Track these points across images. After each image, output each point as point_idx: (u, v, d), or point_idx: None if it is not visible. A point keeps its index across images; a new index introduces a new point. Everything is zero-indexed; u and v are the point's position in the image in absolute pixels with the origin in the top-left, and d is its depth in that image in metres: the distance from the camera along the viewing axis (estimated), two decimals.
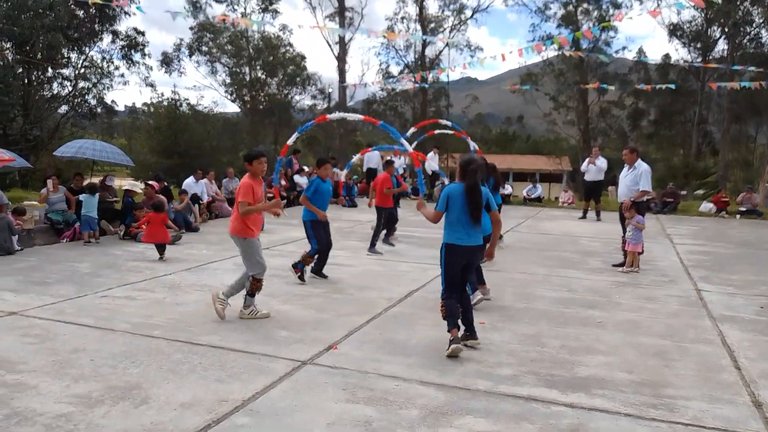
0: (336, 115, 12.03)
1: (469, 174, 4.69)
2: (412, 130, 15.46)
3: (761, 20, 32.93)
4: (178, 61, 34.26)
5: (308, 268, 7.18)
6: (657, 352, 4.77)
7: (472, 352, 4.62)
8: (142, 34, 28.82)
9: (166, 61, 34.02)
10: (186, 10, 32.33)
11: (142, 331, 4.91)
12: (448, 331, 4.59)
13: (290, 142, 10.49)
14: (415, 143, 14.49)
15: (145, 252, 8.71)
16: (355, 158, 13.75)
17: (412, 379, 4.06)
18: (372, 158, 19.87)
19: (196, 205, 12.10)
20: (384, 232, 9.89)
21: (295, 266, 7.13)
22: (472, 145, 13.57)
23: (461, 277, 4.78)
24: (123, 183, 11.39)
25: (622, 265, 8.22)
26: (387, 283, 7.01)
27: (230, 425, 3.33)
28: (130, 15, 26.26)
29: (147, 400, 3.59)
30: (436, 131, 15.55)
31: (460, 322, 4.69)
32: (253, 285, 5.53)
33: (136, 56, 28.45)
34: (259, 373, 4.08)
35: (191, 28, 34.13)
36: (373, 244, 9.25)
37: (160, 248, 8.28)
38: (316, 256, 7.24)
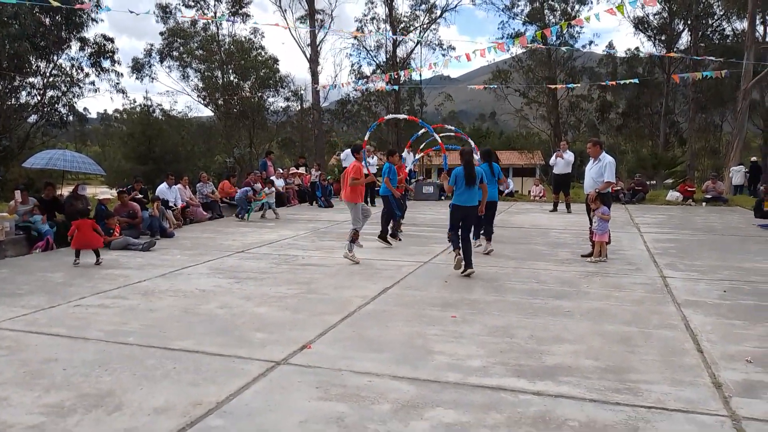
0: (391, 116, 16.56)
1: (466, 158, 7.48)
2: (431, 132, 16.53)
3: (722, 12, 33.70)
4: (149, 66, 33.98)
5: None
6: (622, 338, 4.91)
7: (444, 345, 4.73)
8: (111, 40, 28.54)
9: (137, 68, 33.69)
10: (155, 15, 32.02)
11: (116, 339, 4.92)
12: (453, 250, 7.55)
13: (366, 137, 13.19)
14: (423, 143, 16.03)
15: (118, 259, 8.68)
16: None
17: (385, 374, 4.14)
18: (349, 157, 19.90)
19: (170, 211, 12.05)
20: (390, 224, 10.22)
21: (383, 237, 9.76)
22: (472, 143, 14.18)
23: (461, 224, 7.49)
24: (96, 191, 11.28)
25: (590, 255, 8.42)
26: (362, 281, 7.09)
27: (204, 427, 3.37)
28: (97, 22, 25.97)
29: (120, 407, 3.62)
30: (442, 134, 16.60)
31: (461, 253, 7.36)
32: (354, 235, 8.35)
33: (106, 63, 28.19)
34: (234, 375, 4.13)
35: (161, 34, 33.88)
36: (385, 232, 9.99)
37: (96, 252, 8.39)
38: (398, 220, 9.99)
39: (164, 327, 5.26)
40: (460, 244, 7.40)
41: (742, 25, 31.84)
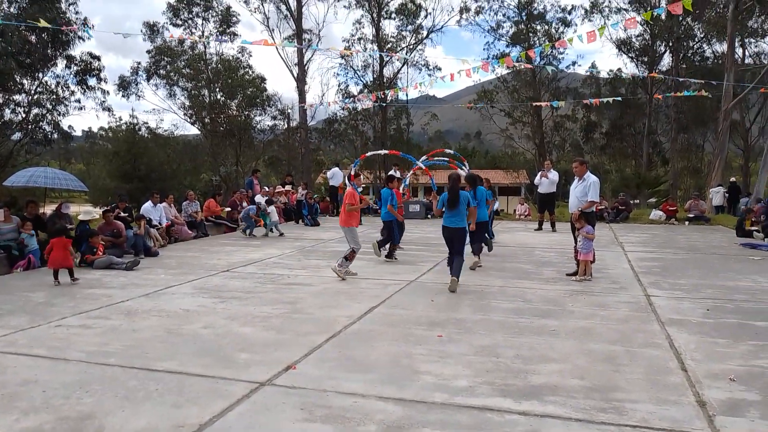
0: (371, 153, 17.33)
1: (451, 184, 7.97)
2: (423, 158, 17.41)
3: (702, 35, 34.42)
4: (136, 84, 34.01)
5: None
6: (607, 357, 4.93)
7: (430, 365, 4.71)
8: (98, 58, 28.52)
9: (123, 85, 33.70)
10: (143, 33, 32.08)
11: (97, 360, 4.84)
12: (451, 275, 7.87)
13: (352, 172, 13.17)
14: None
15: (101, 279, 8.58)
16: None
17: (370, 395, 4.11)
18: (336, 176, 19.98)
19: (154, 229, 11.96)
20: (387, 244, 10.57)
21: (388, 256, 10.28)
22: (466, 168, 14.61)
23: (451, 245, 8.00)
24: (80, 209, 11.18)
25: (575, 274, 8.46)
26: (347, 301, 7.06)
27: None
28: (84, 40, 25.99)
29: (101, 430, 3.55)
30: (437, 158, 17.10)
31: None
32: (351, 255, 8.71)
33: (92, 81, 28.15)
34: (218, 396, 4.08)
35: (148, 52, 33.94)
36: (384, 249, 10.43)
37: (71, 272, 8.41)
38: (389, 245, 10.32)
39: (147, 347, 5.20)
40: (453, 264, 7.91)
41: (721, 47, 32.59)
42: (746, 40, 34.26)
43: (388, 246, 10.49)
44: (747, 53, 35.39)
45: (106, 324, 6.03)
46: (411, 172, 14.52)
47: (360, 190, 16.48)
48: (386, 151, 18.32)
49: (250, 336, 5.57)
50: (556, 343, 5.32)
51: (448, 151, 16.11)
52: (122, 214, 11.60)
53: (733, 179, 23.43)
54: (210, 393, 4.13)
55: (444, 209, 8.01)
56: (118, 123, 32.31)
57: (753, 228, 14.28)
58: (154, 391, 4.16)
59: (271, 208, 14.52)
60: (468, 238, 8.40)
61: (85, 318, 6.28)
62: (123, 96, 33.65)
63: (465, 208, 7.95)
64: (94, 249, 9.76)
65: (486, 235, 10.48)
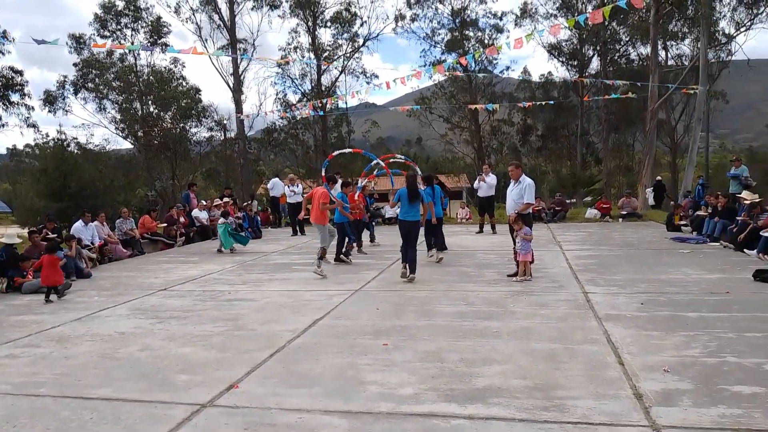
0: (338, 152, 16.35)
1: (409, 181, 9.03)
2: (376, 160, 17.40)
3: (627, 38, 35.95)
4: (63, 99, 32.62)
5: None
6: (548, 356, 5.03)
7: (376, 375, 4.68)
8: (20, 73, 27.27)
9: (50, 100, 32.29)
10: (68, 45, 30.89)
11: (26, 391, 4.58)
12: (402, 263, 8.87)
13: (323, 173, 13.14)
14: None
15: (30, 305, 8.15)
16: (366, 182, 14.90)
17: (316, 409, 4.05)
18: (276, 186, 19.75)
19: (86, 250, 11.47)
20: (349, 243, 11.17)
21: (346, 254, 10.81)
22: (417, 170, 14.99)
23: (407, 238, 8.84)
24: (6, 231, 10.61)
25: (515, 275, 8.63)
26: (291, 314, 6.95)
27: None
28: (3, 54, 24.79)
29: None
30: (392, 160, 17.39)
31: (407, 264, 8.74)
32: (322, 252, 9.57)
33: (15, 96, 26.85)
34: (156, 422, 3.92)
35: (75, 65, 32.65)
36: (339, 253, 10.79)
37: (56, 289, 8.45)
38: (346, 245, 10.93)
39: (80, 375, 4.96)
40: (408, 255, 8.79)
41: (646, 50, 34.04)
42: (668, 43, 35.98)
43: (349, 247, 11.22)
44: (669, 55, 37.19)
45: (36, 352, 5.73)
46: (366, 179, 14.53)
47: (298, 195, 16.51)
48: (351, 150, 19.22)
49: (190, 356, 5.40)
50: (498, 345, 5.39)
51: (399, 156, 16.36)
52: (51, 235, 11.08)
53: (659, 178, 24.48)
54: (148, 419, 3.98)
55: (399, 203, 9.00)
56: (45, 139, 30.95)
57: (681, 222, 14.97)
58: (89, 421, 3.98)
59: (231, 219, 14.11)
60: (425, 234, 9.69)
61: (12, 347, 5.95)
62: (49, 111, 32.21)
63: (420, 204, 9.06)
64: (24, 273, 9.28)
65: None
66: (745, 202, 11.88)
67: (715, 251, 11.20)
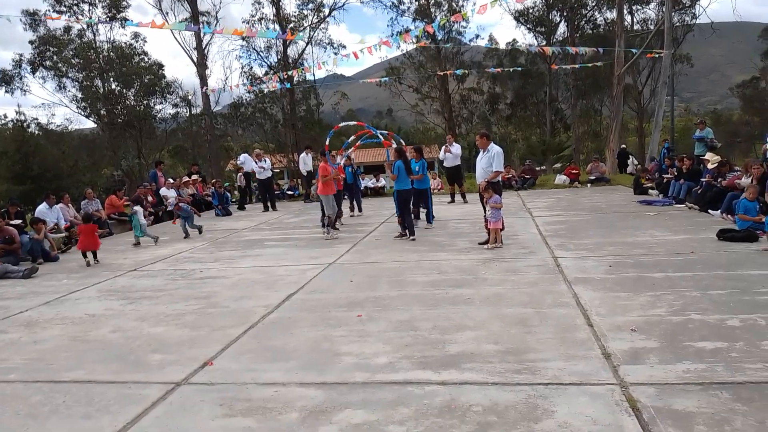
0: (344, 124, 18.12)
1: (401, 154, 10.07)
2: (352, 138, 17.67)
3: (593, 3, 36.00)
4: (20, 78, 31.55)
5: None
6: (520, 320, 5.12)
7: (351, 346, 4.72)
8: None
9: (6, 80, 31.22)
10: (22, 22, 29.78)
11: None
12: (403, 230, 10.00)
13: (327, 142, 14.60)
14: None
15: None
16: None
17: (291, 382, 4.07)
18: (247, 161, 19.51)
19: (56, 235, 11.23)
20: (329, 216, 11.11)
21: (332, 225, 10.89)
22: (402, 142, 15.86)
23: (405, 205, 9.96)
24: None
25: (486, 242, 8.72)
26: (264, 290, 6.93)
27: None
28: None
29: None
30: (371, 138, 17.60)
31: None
32: (328, 220, 10.55)
33: None
34: (130, 402, 3.90)
35: (31, 42, 31.53)
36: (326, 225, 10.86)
37: (94, 254, 9.75)
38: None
39: (51, 359, 4.89)
40: (406, 222, 9.91)
41: (612, 14, 34.17)
42: (633, 8, 36.19)
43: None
44: (635, 20, 37.44)
45: (4, 338, 5.62)
46: (344, 155, 14.53)
47: (267, 171, 16.40)
48: (356, 122, 19.93)
49: (163, 336, 5.37)
50: (471, 311, 5.47)
51: (380, 131, 16.62)
52: (14, 221, 10.80)
53: (623, 146, 24.78)
54: (122, 399, 3.95)
55: (397, 175, 9.97)
56: (3, 121, 30.06)
57: (648, 185, 15.24)
58: (61, 404, 3.94)
59: (138, 208, 11.97)
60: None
61: None
62: (6, 92, 31.17)
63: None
64: None
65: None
66: (708, 164, 12.13)
67: (680, 213, 11.46)
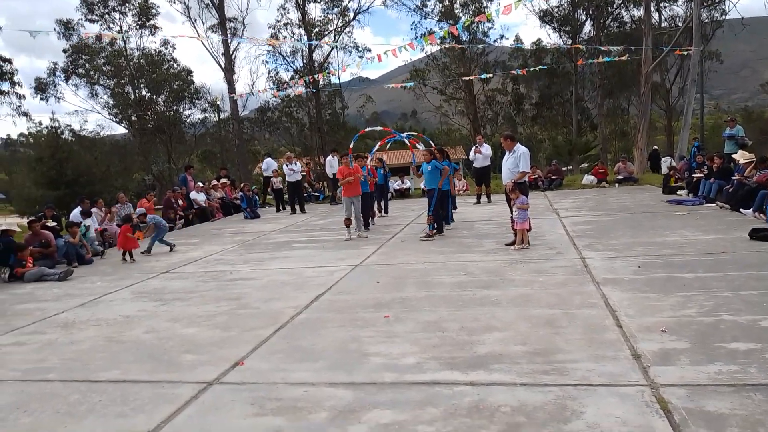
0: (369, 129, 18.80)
1: (432, 157, 10.52)
2: (379, 144, 18.41)
3: (620, 1, 35.50)
4: (54, 86, 32.42)
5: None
6: (547, 321, 5.10)
7: (378, 347, 4.76)
8: (9, 61, 27.05)
9: (41, 88, 32.09)
10: (57, 32, 30.55)
11: (34, 377, 4.65)
12: (432, 230, 10.31)
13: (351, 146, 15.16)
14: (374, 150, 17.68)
15: (33, 292, 8.22)
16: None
17: (320, 382, 4.12)
18: (270, 166, 19.73)
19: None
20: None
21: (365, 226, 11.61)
22: (431, 144, 16.46)
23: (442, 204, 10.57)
24: (5, 221, 10.64)
25: (513, 243, 8.68)
26: (293, 291, 7.02)
27: None
28: None
29: None
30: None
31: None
32: (346, 221, 10.82)
33: (5, 85, 26.68)
34: (164, 401, 4.00)
35: (65, 51, 32.39)
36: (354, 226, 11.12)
37: (131, 254, 10.39)
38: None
39: (87, 359, 5.03)
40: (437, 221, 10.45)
41: (639, 12, 33.66)
42: (661, 4, 35.62)
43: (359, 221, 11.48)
44: (663, 17, 36.83)
45: (42, 339, 5.79)
46: (369, 158, 14.67)
47: (297, 174, 16.59)
48: (381, 127, 20.66)
49: (195, 336, 5.48)
50: (498, 312, 5.46)
51: (399, 135, 16.91)
52: (50, 224, 11.10)
53: (655, 147, 24.42)
54: (156, 398, 4.05)
55: (424, 174, 10.61)
56: (38, 128, 30.88)
57: (677, 185, 15.00)
58: (98, 403, 4.05)
59: (91, 221, 11.39)
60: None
61: (18, 335, 6.01)
62: (41, 99, 32.04)
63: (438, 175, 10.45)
64: (23, 262, 9.33)
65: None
66: (741, 162, 11.89)
67: (711, 212, 11.25)
